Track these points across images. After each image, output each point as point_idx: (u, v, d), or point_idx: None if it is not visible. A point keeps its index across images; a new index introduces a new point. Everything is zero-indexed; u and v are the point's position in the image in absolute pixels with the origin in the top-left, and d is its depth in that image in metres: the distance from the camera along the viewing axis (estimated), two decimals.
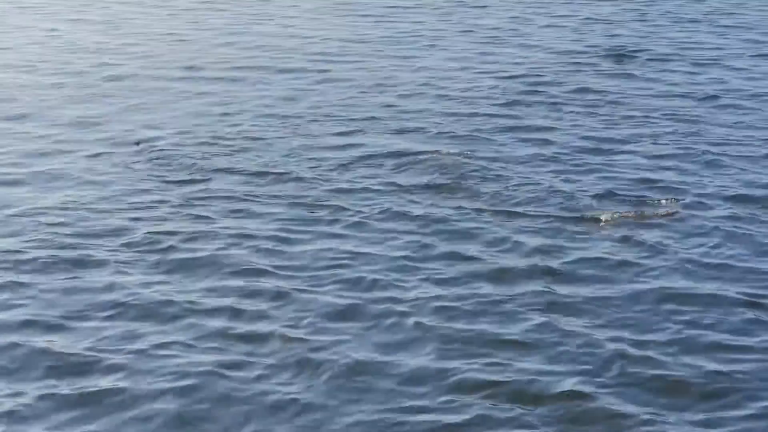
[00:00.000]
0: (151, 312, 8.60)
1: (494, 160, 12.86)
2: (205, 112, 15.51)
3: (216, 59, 19.59)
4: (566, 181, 12.04)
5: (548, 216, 10.82)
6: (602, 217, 10.62)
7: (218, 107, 15.79)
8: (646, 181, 12.05)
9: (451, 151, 13.18)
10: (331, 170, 12.47)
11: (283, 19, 24.87)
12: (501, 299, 8.86)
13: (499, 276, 9.33)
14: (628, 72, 18.38)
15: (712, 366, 7.70)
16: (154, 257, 9.76)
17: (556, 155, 13.13)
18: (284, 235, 10.34)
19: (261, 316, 8.58)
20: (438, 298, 8.87)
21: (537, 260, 9.66)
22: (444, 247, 10.00)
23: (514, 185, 11.82)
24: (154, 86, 17.27)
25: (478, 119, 14.96)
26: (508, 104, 15.94)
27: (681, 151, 13.25)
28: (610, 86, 17.17)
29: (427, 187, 11.84)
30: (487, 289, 9.09)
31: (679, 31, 22.72)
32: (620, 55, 19.85)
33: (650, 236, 10.24)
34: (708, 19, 24.53)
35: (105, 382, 7.48)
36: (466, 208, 11.11)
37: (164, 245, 10.00)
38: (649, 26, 23.52)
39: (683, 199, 11.22)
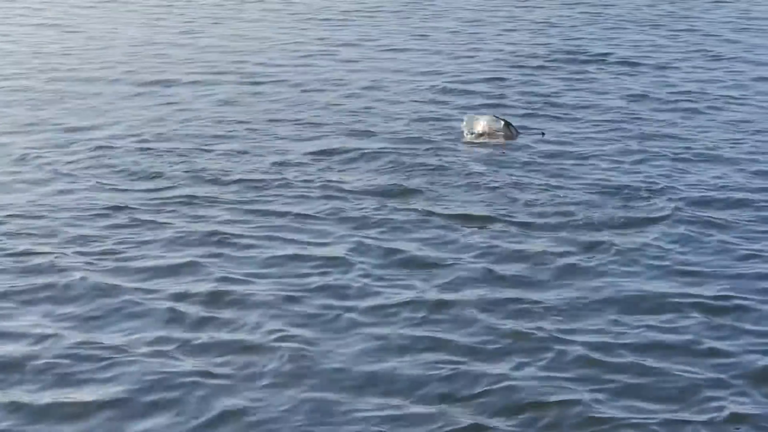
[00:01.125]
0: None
1: (449, 166, 12.90)
2: (153, 115, 15.45)
3: (165, 63, 19.51)
4: (526, 186, 12.10)
5: (506, 222, 10.92)
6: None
7: (167, 110, 15.74)
8: (607, 186, 12.13)
9: (406, 156, 13.24)
10: (278, 174, 12.47)
11: (237, 22, 24.75)
12: (453, 303, 8.92)
13: (452, 281, 9.39)
14: (587, 76, 18.52)
15: (666, 369, 7.81)
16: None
17: (513, 161, 13.22)
18: (228, 238, 10.34)
19: (199, 319, 8.56)
20: (385, 305, 8.89)
21: (494, 265, 9.73)
22: (394, 251, 10.02)
23: (468, 190, 11.91)
24: (98, 89, 17.17)
25: (436, 124, 14.98)
26: (465, 108, 15.94)
27: (644, 156, 13.35)
28: (568, 91, 17.30)
29: (378, 190, 11.86)
30: (436, 293, 9.13)
31: (634, 35, 22.91)
32: (577, 60, 19.97)
33: (612, 240, 10.34)
34: (661, 23, 24.79)
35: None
36: (419, 212, 11.14)
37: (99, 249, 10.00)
38: (604, 30, 23.67)
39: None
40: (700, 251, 10.14)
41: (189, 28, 23.70)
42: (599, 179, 12.40)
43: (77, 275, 9.34)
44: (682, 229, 10.66)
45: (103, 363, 7.84)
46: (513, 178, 12.45)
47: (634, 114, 15.74)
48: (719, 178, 12.49)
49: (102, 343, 8.14)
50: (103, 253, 9.98)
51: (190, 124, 14.93)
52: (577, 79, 18.25)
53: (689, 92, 17.25)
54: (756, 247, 10.28)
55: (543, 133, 14.39)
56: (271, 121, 15.18)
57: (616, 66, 19.44)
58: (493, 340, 8.24)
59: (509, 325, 8.49)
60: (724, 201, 11.62)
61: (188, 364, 7.83)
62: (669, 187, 12.09)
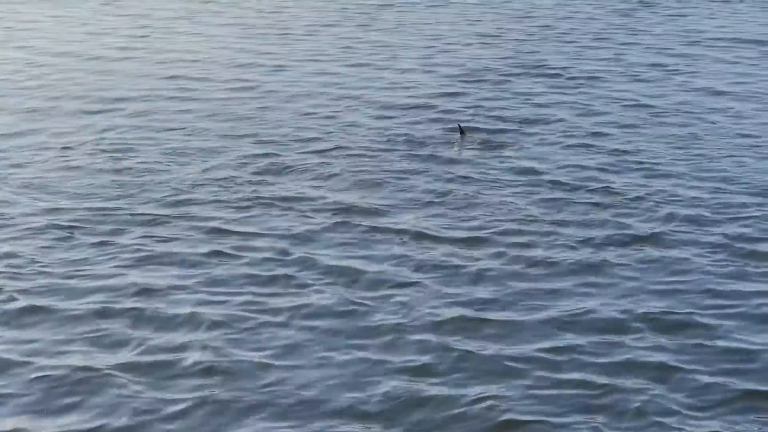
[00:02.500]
0: None
1: (404, 180, 12.89)
2: (94, 131, 15.39)
3: (107, 79, 19.38)
4: (482, 203, 12.11)
5: (460, 239, 10.91)
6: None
7: (108, 126, 15.70)
8: (565, 202, 12.17)
9: (361, 171, 13.25)
10: (230, 189, 12.49)
11: (186, 36, 24.64)
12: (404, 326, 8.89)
13: (401, 297, 9.39)
14: (539, 90, 18.61)
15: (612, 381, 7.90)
16: None
17: (468, 176, 13.19)
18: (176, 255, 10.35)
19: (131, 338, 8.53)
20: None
21: (445, 285, 9.72)
22: (347, 268, 10.02)
23: (422, 206, 11.86)
24: (38, 105, 17.13)
25: (391, 139, 14.97)
26: (418, 123, 15.99)
27: (600, 172, 13.37)
28: (521, 105, 17.36)
29: (333, 206, 11.82)
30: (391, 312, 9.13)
31: (585, 49, 23.06)
32: (530, 74, 20.06)
33: (571, 257, 10.40)
34: (612, 37, 25.01)
35: None
36: (372, 228, 11.13)
37: None
38: (556, 44, 23.78)
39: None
40: (657, 270, 10.18)
41: (135, 43, 23.46)
42: (557, 196, 12.42)
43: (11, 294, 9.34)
44: (640, 247, 10.71)
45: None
46: (469, 194, 12.48)
47: (587, 128, 15.81)
48: (675, 195, 12.51)
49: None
50: (39, 273, 9.90)
51: (137, 140, 14.87)
52: (531, 94, 18.33)
53: (641, 106, 17.39)
54: (708, 264, 10.38)
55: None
56: (223, 136, 15.09)
57: (568, 80, 19.54)
58: (445, 359, 8.28)
59: (461, 345, 8.51)
60: (678, 217, 11.64)
61: (132, 384, 7.78)
62: (626, 203, 12.12)
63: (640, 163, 13.94)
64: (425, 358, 8.31)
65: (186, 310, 9.10)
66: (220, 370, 8.07)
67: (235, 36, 24.85)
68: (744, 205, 12.17)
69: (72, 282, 9.71)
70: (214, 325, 8.83)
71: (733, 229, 11.32)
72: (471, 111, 17.00)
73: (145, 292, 9.51)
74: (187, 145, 14.67)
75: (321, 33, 25.46)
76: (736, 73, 20.40)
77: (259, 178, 13.09)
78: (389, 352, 8.43)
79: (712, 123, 16.30)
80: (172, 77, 19.66)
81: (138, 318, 8.98)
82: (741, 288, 9.75)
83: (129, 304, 9.26)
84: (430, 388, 7.83)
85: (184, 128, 15.71)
